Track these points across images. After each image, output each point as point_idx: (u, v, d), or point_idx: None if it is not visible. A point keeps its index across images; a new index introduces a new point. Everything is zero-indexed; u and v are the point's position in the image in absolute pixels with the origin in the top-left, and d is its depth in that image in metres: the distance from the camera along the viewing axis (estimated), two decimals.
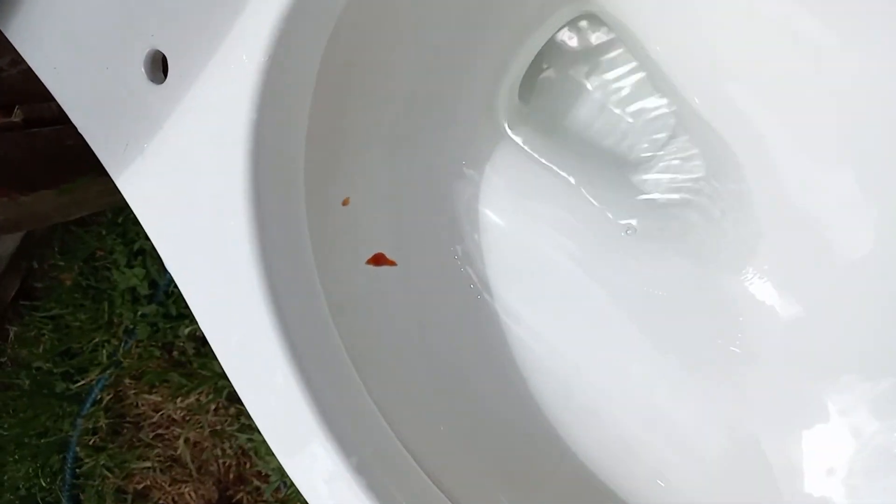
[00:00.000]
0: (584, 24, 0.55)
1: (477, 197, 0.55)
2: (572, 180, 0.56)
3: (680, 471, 0.47)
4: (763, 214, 0.49)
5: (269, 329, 0.40)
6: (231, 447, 1.19)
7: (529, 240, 0.55)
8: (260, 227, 0.40)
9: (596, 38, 0.55)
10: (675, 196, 0.53)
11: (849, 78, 0.44)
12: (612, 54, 0.54)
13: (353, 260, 0.50)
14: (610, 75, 0.54)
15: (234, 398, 1.18)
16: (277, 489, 1.16)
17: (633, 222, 0.54)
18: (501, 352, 0.51)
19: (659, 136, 0.55)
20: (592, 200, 0.55)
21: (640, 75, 0.53)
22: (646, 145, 0.55)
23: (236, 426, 1.16)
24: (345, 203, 0.49)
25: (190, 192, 0.40)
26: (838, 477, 0.44)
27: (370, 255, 0.51)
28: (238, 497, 1.19)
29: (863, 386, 0.48)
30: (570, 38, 0.56)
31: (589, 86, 0.55)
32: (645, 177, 0.55)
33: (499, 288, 0.53)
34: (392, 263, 0.52)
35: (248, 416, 1.20)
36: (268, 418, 0.41)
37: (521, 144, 0.56)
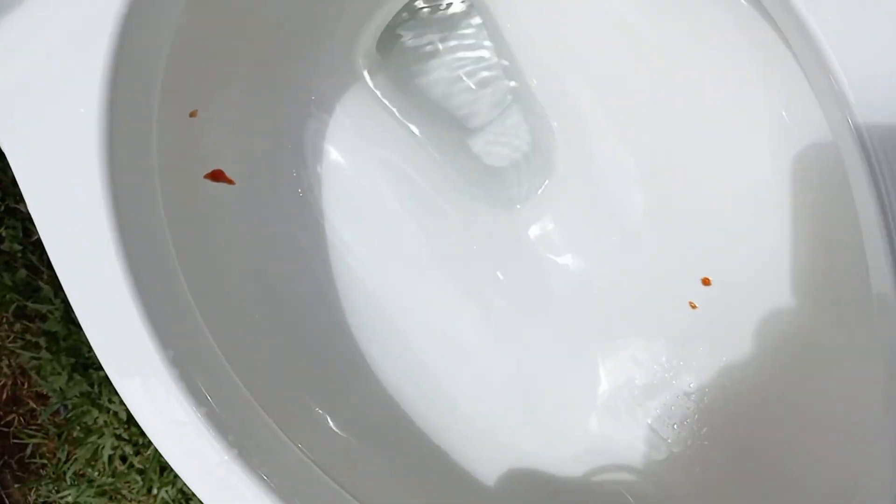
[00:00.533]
0: None
1: (323, 133, 0.58)
2: (416, 132, 0.60)
3: (470, 391, 0.54)
4: (569, 184, 0.57)
5: (105, 227, 0.40)
6: (10, 365, 1.11)
7: (367, 181, 0.59)
8: (109, 127, 0.40)
9: (455, 6, 0.59)
10: (501, 159, 0.60)
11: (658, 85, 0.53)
12: (468, 24, 0.59)
13: (195, 174, 0.51)
14: (462, 43, 0.59)
15: (21, 314, 1.11)
16: (56, 412, 1.10)
17: (463, 177, 0.60)
18: (327, 276, 0.55)
19: (496, 105, 0.60)
20: (434, 153, 0.60)
21: (488, 49, 0.59)
22: (484, 112, 0.61)
23: (20, 343, 1.09)
24: (192, 115, 0.50)
25: (43, 81, 0.40)
26: (598, 411, 0.54)
27: (211, 171, 0.52)
28: (9, 418, 1.11)
29: (627, 341, 0.58)
30: (430, 2, 0.60)
31: (442, 49, 0.60)
32: (478, 139, 0.61)
33: (334, 219, 0.56)
34: (230, 182, 0.53)
35: (35, 334, 1.14)
36: (90, 308, 0.41)
37: (374, 89, 0.59)
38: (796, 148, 0.49)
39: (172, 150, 0.46)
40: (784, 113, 0.49)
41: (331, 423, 0.50)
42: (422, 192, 0.59)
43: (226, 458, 0.41)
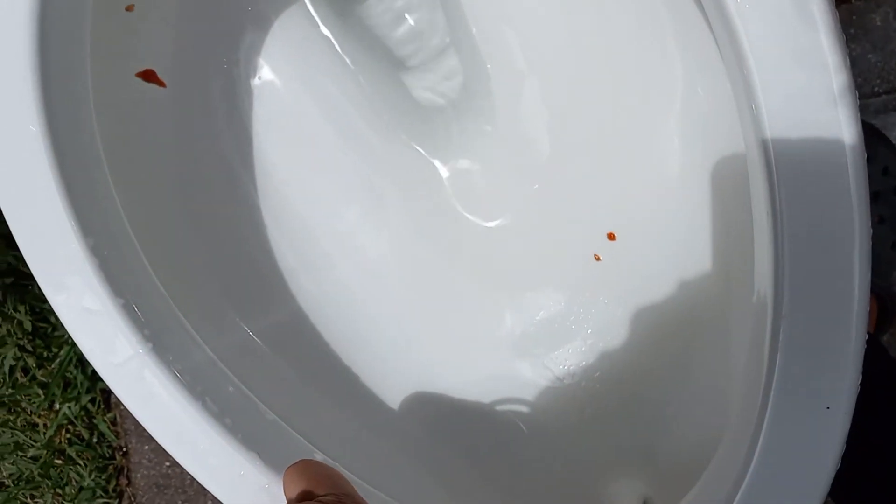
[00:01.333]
0: None
1: (258, 48, 0.58)
2: (350, 64, 0.61)
3: (386, 315, 0.56)
4: (494, 135, 0.59)
5: (33, 112, 0.40)
6: None
7: (299, 104, 0.59)
8: (42, 8, 0.39)
9: None
10: (433, 101, 0.61)
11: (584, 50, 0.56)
12: None
13: (127, 71, 0.50)
14: None
15: None
16: None
17: (395, 115, 0.61)
18: (253, 190, 0.56)
19: (434, 48, 0.62)
20: (367, 87, 0.61)
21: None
22: (422, 53, 0.62)
23: None
24: (129, 9, 0.49)
25: None
26: (502, 348, 0.57)
27: (143, 70, 0.51)
28: None
29: (536, 290, 0.61)
30: None
31: None
32: (413, 79, 0.62)
33: (263, 137, 0.57)
34: (162, 83, 0.53)
35: None
36: (11, 189, 0.41)
37: (313, 13, 0.59)
38: (708, 122, 0.53)
39: (105, 41, 0.46)
40: (699, 89, 0.53)
41: (247, 330, 0.52)
42: (352, 124, 0.60)
43: (140, 351, 0.42)
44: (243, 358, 0.49)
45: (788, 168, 0.34)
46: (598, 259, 0.57)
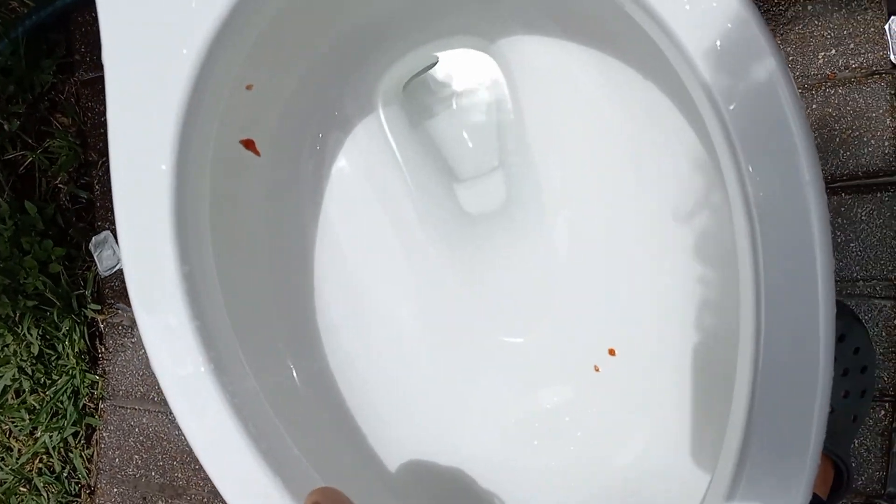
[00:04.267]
0: (483, 56, 0.71)
1: (341, 142, 0.68)
2: (405, 166, 0.71)
3: (413, 380, 0.63)
4: (524, 247, 0.69)
5: (168, 157, 0.49)
6: None
7: (363, 192, 0.69)
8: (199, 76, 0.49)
9: (483, 72, 0.71)
10: (475, 210, 0.71)
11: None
12: (482, 94, 0.71)
13: (234, 136, 0.59)
14: (473, 105, 0.71)
15: None
16: None
17: (438, 215, 0.70)
18: (317, 257, 0.65)
19: (485, 168, 0.72)
20: (416, 186, 0.71)
21: (494, 118, 0.71)
22: (472, 168, 0.72)
23: None
24: (248, 87, 0.59)
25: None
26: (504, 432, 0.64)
27: (245, 139, 0.61)
28: None
29: (535, 395, 0.68)
30: (464, 60, 0.71)
31: (455, 106, 0.71)
32: (460, 188, 0.72)
33: (331, 212, 0.66)
34: (257, 153, 0.62)
35: None
36: (133, 227, 0.49)
37: (384, 122, 0.70)
38: (705, 258, 0.62)
39: (227, 110, 0.55)
40: (704, 241, 0.62)
41: (291, 369, 0.58)
42: (405, 218, 0.70)
43: (202, 369, 0.49)
44: (281, 395, 0.55)
45: (773, 336, 0.42)
46: (597, 370, 0.64)
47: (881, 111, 0.91)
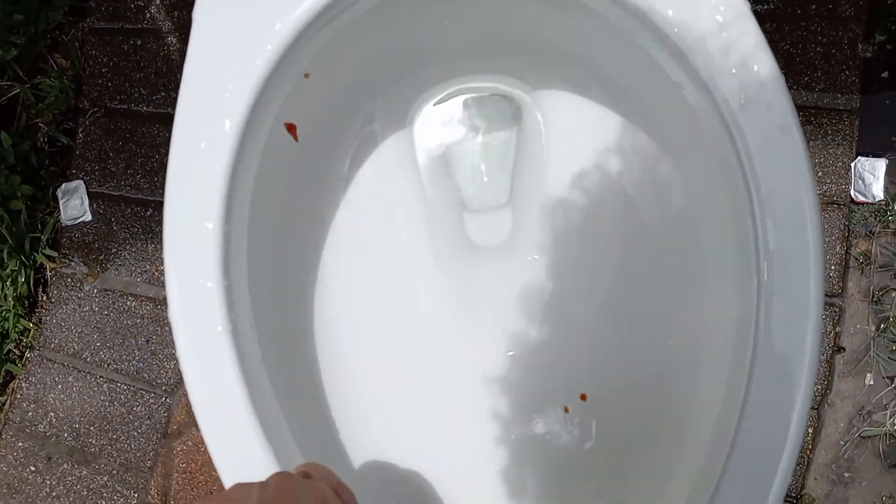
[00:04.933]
0: (520, 100, 0.75)
1: (371, 149, 0.71)
2: (427, 184, 0.75)
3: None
4: (517, 286, 0.73)
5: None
6: None
7: (378, 200, 0.72)
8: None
9: (515, 113, 0.76)
10: (478, 240, 0.75)
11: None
12: (512, 131, 0.76)
13: (280, 118, 0.62)
14: (497, 140, 0.75)
15: None
16: None
17: (446, 241, 0.74)
18: (324, 241, 0.67)
19: (493, 201, 0.76)
20: (433, 207, 0.74)
21: (513, 159, 0.76)
22: (482, 202, 0.77)
23: None
24: (306, 76, 0.62)
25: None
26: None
27: (290, 122, 0.63)
28: None
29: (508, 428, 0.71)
30: (501, 98, 0.76)
31: (480, 139, 0.76)
32: (469, 217, 0.76)
33: (340, 219, 0.69)
34: (296, 138, 0.64)
35: None
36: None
37: (414, 135, 0.73)
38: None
39: (291, 91, 0.58)
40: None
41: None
42: (416, 233, 0.73)
43: (220, 328, 0.50)
44: (281, 372, 0.56)
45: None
46: (567, 411, 0.68)
47: (833, 238, 1.00)
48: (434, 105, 0.76)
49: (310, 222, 0.68)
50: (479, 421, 0.68)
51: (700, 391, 0.58)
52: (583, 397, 0.68)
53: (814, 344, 0.44)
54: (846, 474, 1.00)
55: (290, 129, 0.64)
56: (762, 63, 0.45)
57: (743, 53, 0.45)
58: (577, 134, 0.70)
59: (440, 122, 0.75)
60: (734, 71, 0.46)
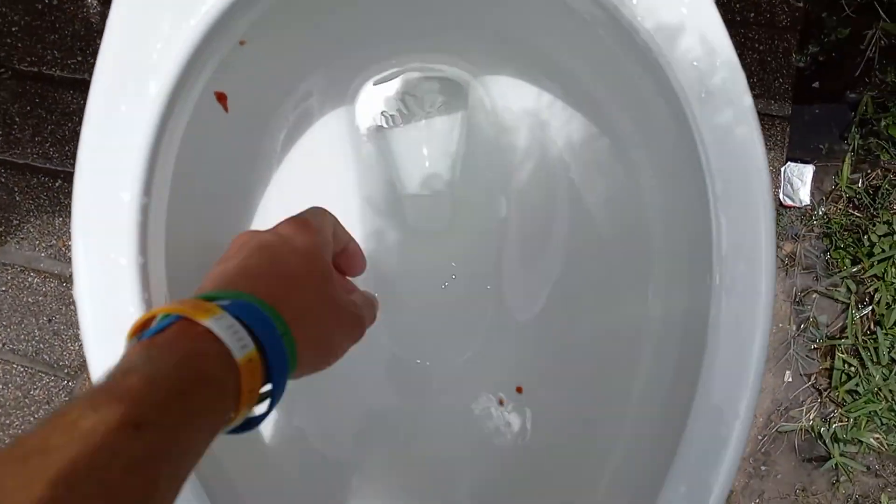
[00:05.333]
0: (466, 84, 0.73)
1: (309, 121, 0.67)
2: (364, 167, 0.71)
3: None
4: (461, 277, 0.70)
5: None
6: None
7: (316, 178, 0.68)
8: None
9: (461, 99, 0.73)
10: (416, 225, 0.72)
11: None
12: (457, 116, 0.73)
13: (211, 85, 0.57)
14: (442, 123, 0.72)
15: None
16: None
17: (385, 214, 0.71)
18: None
19: (435, 187, 0.74)
20: (366, 185, 0.71)
21: (455, 145, 0.73)
22: (422, 186, 0.74)
23: None
24: (241, 42, 0.57)
25: None
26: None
27: (220, 91, 0.58)
28: None
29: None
30: (448, 83, 0.73)
31: (424, 123, 0.73)
32: (408, 202, 0.73)
33: (280, 186, 0.64)
34: (226, 109, 0.59)
35: None
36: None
37: (356, 109, 0.70)
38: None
39: (216, 61, 0.53)
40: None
41: None
42: (351, 210, 0.69)
43: (131, 309, 0.46)
44: None
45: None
46: (501, 403, 0.67)
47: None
48: (375, 84, 0.72)
49: (239, 199, 0.63)
50: (411, 410, 0.66)
51: (642, 386, 0.57)
52: (518, 389, 0.66)
53: (762, 342, 0.44)
54: (763, 467, 1.03)
55: (221, 98, 0.59)
56: (724, 57, 0.44)
57: (706, 46, 0.44)
58: (524, 121, 0.68)
59: (382, 101, 0.72)
60: (695, 63, 0.44)
